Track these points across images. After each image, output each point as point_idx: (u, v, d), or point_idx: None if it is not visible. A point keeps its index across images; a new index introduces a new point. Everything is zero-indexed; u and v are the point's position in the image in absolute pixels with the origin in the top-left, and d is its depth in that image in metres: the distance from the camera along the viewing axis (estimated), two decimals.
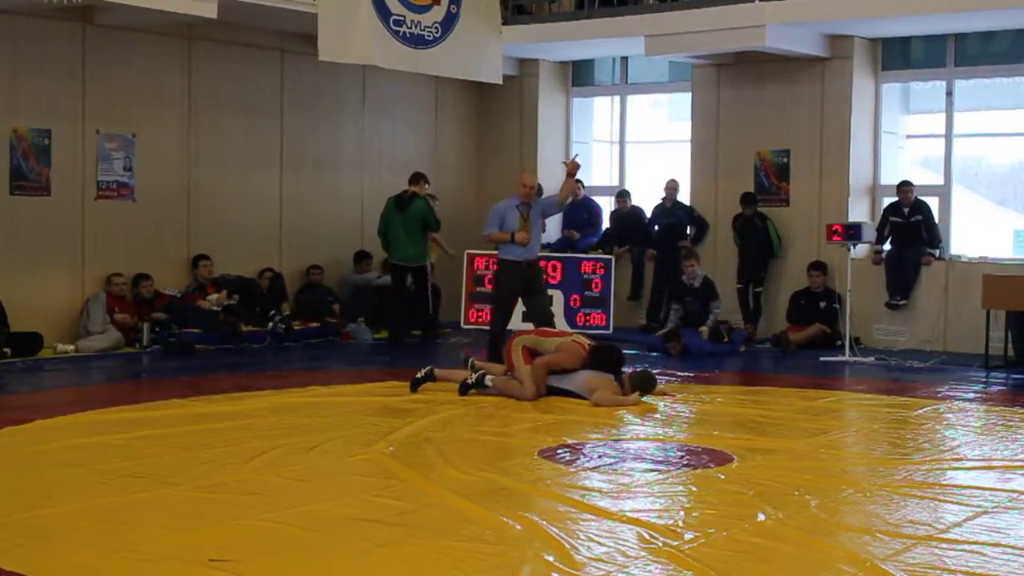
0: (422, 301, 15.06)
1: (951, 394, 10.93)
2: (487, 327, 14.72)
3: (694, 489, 7.05)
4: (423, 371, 10.40)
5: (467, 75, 14.92)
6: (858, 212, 15.03)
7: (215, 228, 14.80)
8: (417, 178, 15.26)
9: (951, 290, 14.29)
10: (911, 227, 14.50)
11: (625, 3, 15.63)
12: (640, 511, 6.40)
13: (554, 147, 17.69)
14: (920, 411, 9.99)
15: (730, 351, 14.11)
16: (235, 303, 14.40)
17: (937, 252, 14.62)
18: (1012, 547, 5.81)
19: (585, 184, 17.23)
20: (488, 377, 10.28)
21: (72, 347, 12.98)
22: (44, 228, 13.33)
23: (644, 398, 10.11)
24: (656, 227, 16.20)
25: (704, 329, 14.29)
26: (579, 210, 17.12)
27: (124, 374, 12.06)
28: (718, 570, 5.30)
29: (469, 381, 10.25)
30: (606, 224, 17.07)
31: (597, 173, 18.05)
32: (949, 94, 14.91)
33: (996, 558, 5.62)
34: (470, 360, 10.88)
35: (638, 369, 10.77)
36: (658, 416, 9.66)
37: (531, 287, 11.94)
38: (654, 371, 11.09)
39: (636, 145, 17.78)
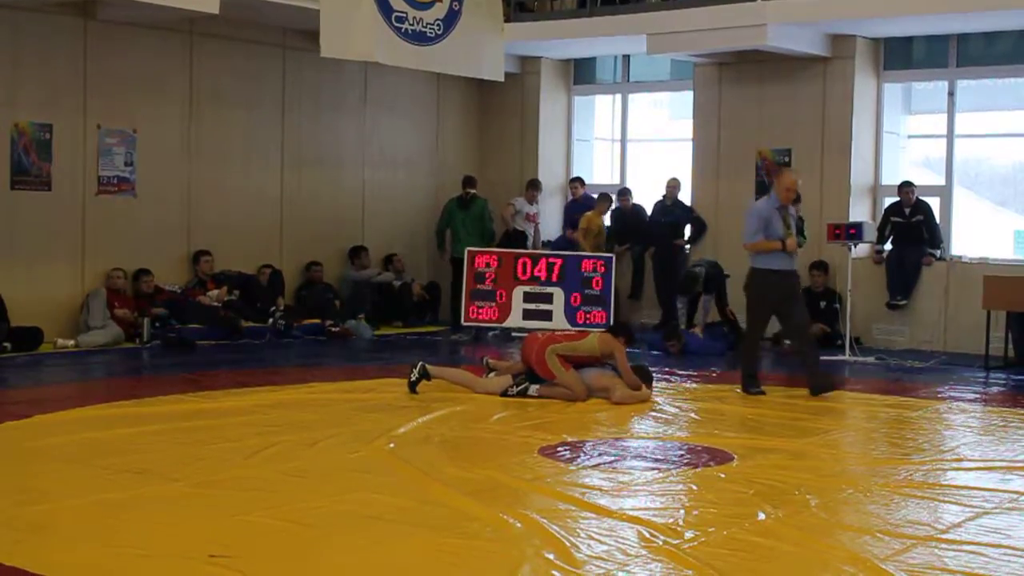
0: None
1: (951, 395, 10.93)
2: (487, 324, 14.79)
3: (694, 488, 7.05)
4: (415, 371, 10.31)
5: (469, 72, 14.90)
6: (859, 212, 15.02)
7: (216, 224, 14.80)
8: (473, 181, 16.31)
9: (952, 290, 14.29)
10: (912, 227, 14.49)
11: (627, 1, 15.64)
12: (640, 509, 6.41)
13: (555, 145, 17.70)
14: (920, 411, 9.99)
15: (725, 349, 14.12)
16: (235, 299, 14.40)
17: (938, 252, 14.62)
18: (1012, 548, 5.81)
19: (586, 182, 17.25)
20: (533, 388, 10.13)
21: (72, 342, 12.98)
22: (45, 223, 13.32)
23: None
24: (656, 226, 16.18)
25: (697, 329, 14.29)
26: (580, 208, 17.11)
27: (124, 369, 12.05)
28: (718, 569, 5.30)
29: (511, 392, 10.10)
30: (607, 222, 17.07)
31: (598, 171, 18.05)
32: (951, 94, 14.90)
33: (996, 559, 5.62)
34: (484, 359, 10.88)
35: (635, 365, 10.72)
36: (658, 415, 9.66)
37: (790, 297, 10.76)
38: (653, 369, 11.12)
39: (637, 143, 17.78)
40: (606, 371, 10.27)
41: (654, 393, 10.43)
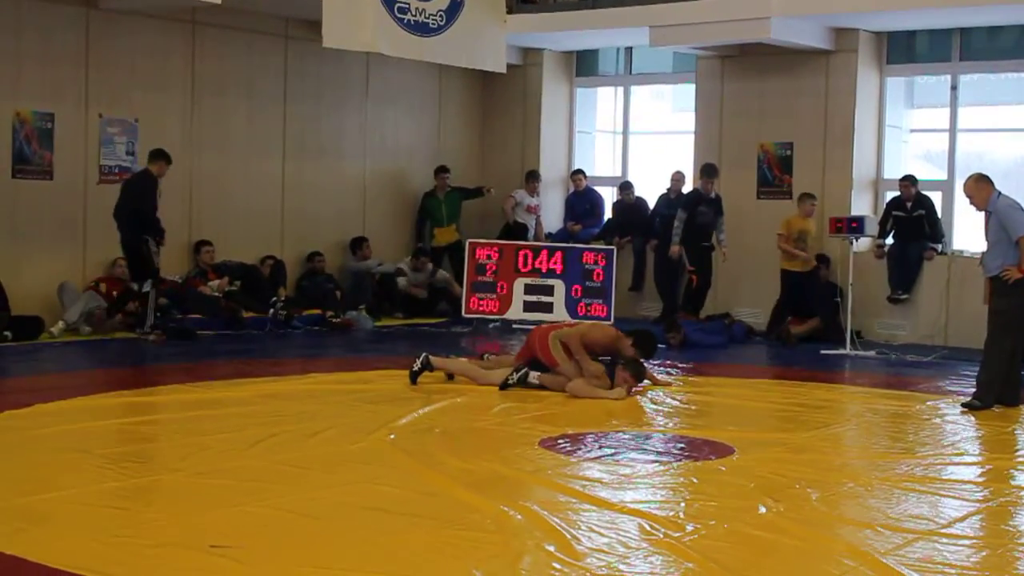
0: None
1: (952, 389, 10.90)
2: (488, 316, 14.78)
3: (695, 481, 7.05)
4: (419, 362, 10.30)
5: (471, 64, 14.89)
6: (861, 206, 15.01)
7: (217, 214, 14.78)
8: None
9: (953, 285, 14.26)
10: (914, 221, 14.47)
11: None
12: (641, 502, 6.41)
13: (557, 137, 17.68)
14: (921, 406, 9.99)
15: (726, 343, 14.12)
16: (236, 289, 14.39)
17: (939, 247, 14.60)
18: (1013, 542, 5.82)
19: (588, 174, 17.24)
20: (533, 375, 10.09)
21: (60, 323, 12.90)
22: (46, 212, 13.31)
23: (635, 389, 10.07)
24: (658, 218, 16.16)
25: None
26: (581, 200, 17.13)
27: (125, 359, 12.04)
28: (719, 562, 5.30)
29: (511, 380, 10.01)
30: (608, 214, 17.08)
31: (600, 163, 18.04)
32: (954, 88, 14.88)
33: (997, 553, 5.63)
34: (485, 356, 10.87)
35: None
36: (659, 408, 9.66)
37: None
38: (655, 362, 11.12)
39: (639, 136, 17.76)
40: (597, 364, 10.22)
41: (652, 386, 10.41)
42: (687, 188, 15.82)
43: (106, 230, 13.67)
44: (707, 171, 15.00)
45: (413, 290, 15.94)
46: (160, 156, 13.04)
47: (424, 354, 10.37)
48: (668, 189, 16.05)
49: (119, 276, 13.59)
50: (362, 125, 16.45)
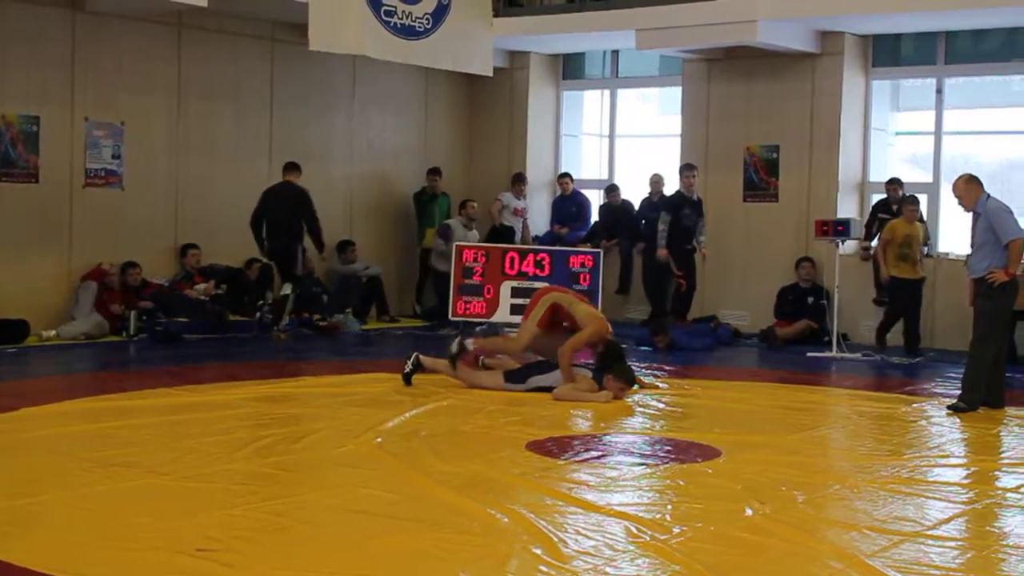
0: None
1: (938, 391, 10.94)
2: (475, 319, 14.78)
3: (681, 483, 7.06)
4: (410, 363, 10.34)
5: (457, 67, 14.89)
6: (847, 208, 15.04)
7: (204, 217, 14.74)
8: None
9: (938, 288, 14.29)
10: None
11: None
12: (627, 505, 6.41)
13: (543, 140, 17.69)
14: (906, 408, 10.01)
15: (713, 345, 14.14)
16: (223, 293, 14.37)
17: (925, 250, 14.61)
18: (998, 544, 5.84)
19: (574, 177, 17.25)
20: (468, 341, 10.47)
21: (53, 332, 12.92)
22: (31, 215, 13.27)
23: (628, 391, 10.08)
24: (643, 221, 16.18)
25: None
26: (568, 203, 17.14)
27: (111, 363, 12.02)
28: (706, 564, 5.31)
29: (453, 350, 10.37)
30: (594, 217, 17.09)
31: (586, 167, 18.05)
32: (939, 91, 14.93)
33: (982, 555, 5.65)
34: (481, 359, 10.84)
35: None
36: (646, 410, 9.67)
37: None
38: (641, 364, 11.12)
39: (626, 139, 17.78)
40: (581, 371, 10.22)
41: (638, 389, 10.42)
42: (668, 190, 15.83)
43: (91, 234, 13.68)
44: (688, 168, 14.93)
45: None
46: (296, 167, 14.33)
47: (415, 354, 10.41)
48: (649, 193, 16.04)
49: (108, 282, 13.55)
50: (348, 128, 16.43)
